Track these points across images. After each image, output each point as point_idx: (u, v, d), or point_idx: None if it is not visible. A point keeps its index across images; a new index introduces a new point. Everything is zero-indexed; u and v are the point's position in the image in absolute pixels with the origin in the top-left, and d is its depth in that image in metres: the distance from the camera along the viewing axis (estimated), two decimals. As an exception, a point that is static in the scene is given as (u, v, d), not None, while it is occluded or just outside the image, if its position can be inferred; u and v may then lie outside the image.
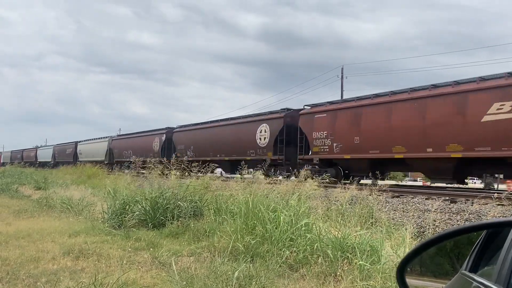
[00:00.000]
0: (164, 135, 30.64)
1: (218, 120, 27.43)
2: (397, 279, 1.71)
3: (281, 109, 22.05)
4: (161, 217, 8.24)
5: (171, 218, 8.10)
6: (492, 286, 1.46)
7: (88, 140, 45.84)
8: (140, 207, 8.63)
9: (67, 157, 49.55)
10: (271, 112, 22.56)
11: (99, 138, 42.96)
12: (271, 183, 10.80)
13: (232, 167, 22.68)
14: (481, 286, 1.54)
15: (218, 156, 24.47)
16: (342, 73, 39.52)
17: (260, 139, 21.48)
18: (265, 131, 21.28)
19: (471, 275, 1.69)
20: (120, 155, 36.46)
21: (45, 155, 60.69)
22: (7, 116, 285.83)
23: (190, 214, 8.15)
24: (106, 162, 36.97)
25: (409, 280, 1.69)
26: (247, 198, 7.15)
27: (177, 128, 30.82)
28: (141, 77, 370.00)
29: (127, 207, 8.77)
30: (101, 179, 20.35)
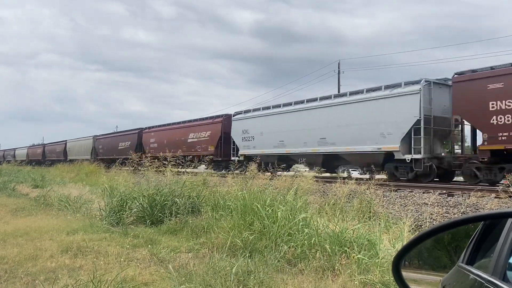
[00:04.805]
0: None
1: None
2: (392, 272, 1.70)
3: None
4: (159, 214, 8.23)
5: (169, 214, 8.09)
6: (488, 278, 1.46)
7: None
8: (137, 204, 8.61)
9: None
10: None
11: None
12: None
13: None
14: (477, 278, 1.54)
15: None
16: (338, 68, 39.36)
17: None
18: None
19: (468, 267, 1.70)
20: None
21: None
22: (2, 114, 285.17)
23: (188, 211, 8.15)
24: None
25: (406, 273, 1.69)
26: (243, 194, 7.15)
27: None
28: (137, 75, 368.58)
29: (125, 204, 8.75)
30: (99, 177, 20.29)
